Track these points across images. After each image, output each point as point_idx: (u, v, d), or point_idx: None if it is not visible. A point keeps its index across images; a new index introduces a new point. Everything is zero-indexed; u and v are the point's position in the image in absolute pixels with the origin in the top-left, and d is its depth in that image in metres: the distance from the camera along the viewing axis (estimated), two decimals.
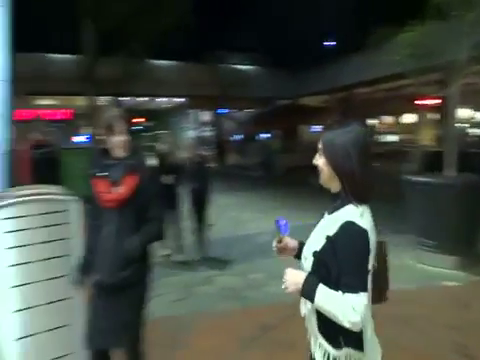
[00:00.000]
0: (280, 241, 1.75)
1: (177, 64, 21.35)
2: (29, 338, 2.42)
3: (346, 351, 1.49)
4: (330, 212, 1.57)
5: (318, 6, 22.43)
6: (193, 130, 25.89)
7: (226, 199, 9.82)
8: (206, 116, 25.99)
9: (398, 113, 22.28)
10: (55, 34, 15.39)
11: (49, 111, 19.80)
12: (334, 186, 1.56)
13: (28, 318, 2.40)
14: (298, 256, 1.70)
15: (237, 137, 22.97)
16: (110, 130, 2.23)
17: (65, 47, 18.01)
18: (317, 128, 20.26)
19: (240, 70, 22.93)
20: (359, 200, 1.50)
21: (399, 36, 5.16)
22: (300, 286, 1.50)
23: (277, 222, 1.74)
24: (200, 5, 17.23)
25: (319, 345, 1.54)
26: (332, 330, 1.48)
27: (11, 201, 2.41)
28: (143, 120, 22.67)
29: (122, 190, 2.23)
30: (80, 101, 19.59)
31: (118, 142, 2.26)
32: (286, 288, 1.53)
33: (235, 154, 20.86)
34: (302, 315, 1.62)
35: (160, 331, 3.36)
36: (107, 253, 2.23)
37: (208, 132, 25.54)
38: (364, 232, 1.45)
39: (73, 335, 2.45)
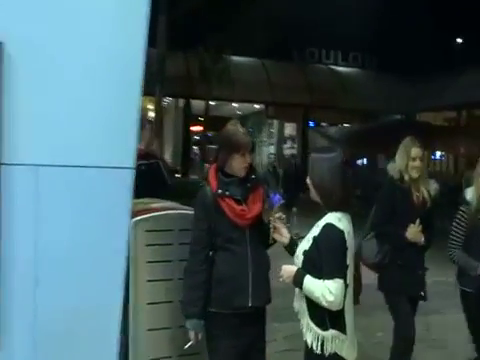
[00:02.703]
0: (275, 218, 2.60)
1: (258, 62, 22.23)
2: None
3: (332, 332, 2.33)
4: (317, 220, 2.44)
5: None
6: (273, 145, 26.66)
7: None
8: (290, 129, 26.68)
9: None
10: None
11: None
12: (319, 200, 2.47)
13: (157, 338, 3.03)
14: (289, 249, 2.58)
15: None
16: (237, 150, 2.74)
17: None
18: (440, 155, 20.08)
19: (337, 73, 23.39)
20: (331, 210, 2.39)
21: None
22: (292, 277, 2.39)
23: (272, 196, 2.65)
24: None
25: (310, 329, 2.38)
26: (320, 316, 2.33)
27: (153, 214, 3.07)
28: (201, 129, 23.71)
29: (257, 206, 2.78)
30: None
31: (245, 164, 2.78)
32: (283, 280, 2.45)
33: None
34: (295, 310, 2.50)
35: None
36: (248, 275, 2.73)
37: (290, 149, 26.14)
38: (341, 232, 2.32)
39: None
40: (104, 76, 2.78)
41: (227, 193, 2.73)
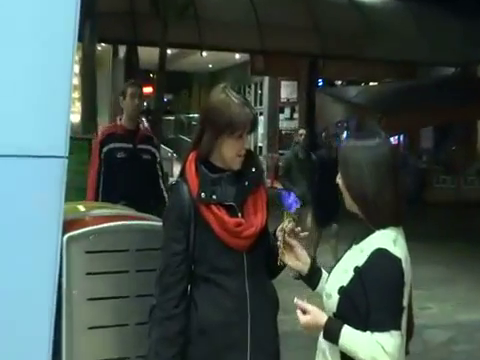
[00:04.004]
0: (290, 231, 2.62)
1: None
2: None
3: None
4: (358, 241, 2.45)
5: None
6: (262, 115, 26.54)
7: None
8: (289, 90, 26.70)
9: None
10: None
11: None
12: (358, 212, 2.46)
13: None
14: (308, 280, 2.65)
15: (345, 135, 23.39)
16: (231, 130, 2.72)
17: None
18: None
19: (359, 5, 23.49)
20: (379, 226, 2.39)
21: None
22: (321, 327, 2.35)
23: (284, 196, 2.65)
24: None
25: None
26: None
27: (97, 227, 3.09)
28: (152, 90, 23.62)
29: (260, 217, 2.80)
30: None
31: (242, 150, 2.79)
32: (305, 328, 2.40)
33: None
34: None
35: None
36: (247, 323, 2.74)
37: (289, 122, 26.13)
38: (398, 261, 2.30)
39: None
40: (24, 34, 2.78)
41: (214, 197, 2.73)
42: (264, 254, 2.83)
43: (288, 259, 2.64)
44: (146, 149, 5.55)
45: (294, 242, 2.64)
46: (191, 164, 2.80)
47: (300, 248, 2.65)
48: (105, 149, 5.37)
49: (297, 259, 2.65)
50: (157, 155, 5.69)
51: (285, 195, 2.66)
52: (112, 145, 5.38)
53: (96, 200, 5.15)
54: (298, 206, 2.65)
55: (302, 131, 10.78)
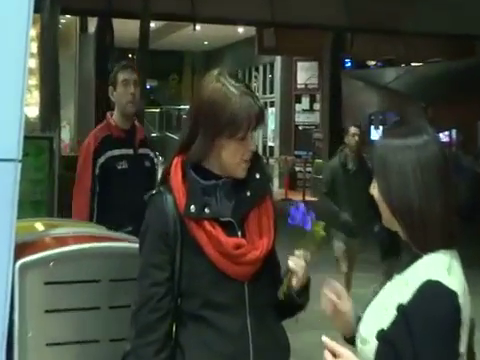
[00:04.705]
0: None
1: None
2: None
3: None
4: (401, 269, 2.43)
5: None
6: (273, 105, 26.56)
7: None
8: (307, 73, 26.74)
9: None
10: None
11: None
12: (399, 230, 2.45)
13: None
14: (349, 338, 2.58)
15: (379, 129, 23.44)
16: (233, 130, 2.74)
17: None
18: None
19: None
20: (427, 249, 2.36)
21: None
22: None
23: (292, 211, 2.66)
24: None
25: None
26: None
27: (58, 250, 3.09)
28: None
29: (267, 238, 2.81)
30: None
31: (247, 154, 2.82)
32: None
33: None
34: None
35: None
36: None
37: (309, 114, 26.15)
38: (453, 296, 2.24)
39: None
40: None
41: (207, 211, 2.74)
42: (271, 285, 2.83)
43: (336, 324, 2.63)
44: (146, 154, 5.40)
45: (345, 307, 2.60)
46: (177, 169, 2.81)
47: (351, 310, 2.63)
48: (102, 160, 5.11)
49: (344, 323, 2.63)
50: (156, 161, 5.52)
51: (292, 209, 2.63)
52: (110, 153, 5.16)
53: None
54: (313, 220, 2.63)
55: (355, 130, 9.51)
